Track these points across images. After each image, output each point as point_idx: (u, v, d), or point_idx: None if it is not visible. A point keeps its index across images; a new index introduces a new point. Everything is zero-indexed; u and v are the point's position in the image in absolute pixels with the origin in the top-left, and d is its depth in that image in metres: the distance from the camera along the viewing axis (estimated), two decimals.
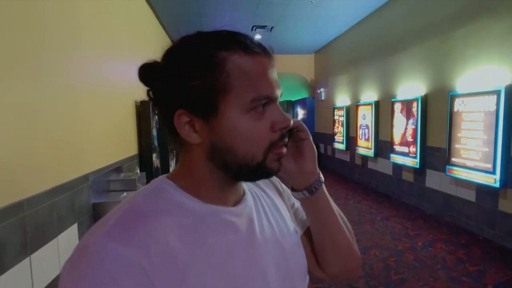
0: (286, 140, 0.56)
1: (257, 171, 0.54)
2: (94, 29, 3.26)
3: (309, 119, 11.07)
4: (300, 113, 12.01)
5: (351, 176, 8.09)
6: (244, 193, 0.63)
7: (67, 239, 2.54)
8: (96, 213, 3.11)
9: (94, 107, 3.17)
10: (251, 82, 0.51)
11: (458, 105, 4.33)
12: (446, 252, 3.60)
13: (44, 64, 2.28)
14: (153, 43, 6.45)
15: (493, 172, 3.78)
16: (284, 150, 0.56)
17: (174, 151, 5.58)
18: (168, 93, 0.53)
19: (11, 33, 1.94)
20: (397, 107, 5.76)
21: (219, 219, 0.55)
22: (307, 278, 0.67)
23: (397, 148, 5.78)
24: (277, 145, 0.54)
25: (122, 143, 4.12)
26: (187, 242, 0.50)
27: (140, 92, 5.02)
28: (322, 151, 10.17)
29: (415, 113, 5.27)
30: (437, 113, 4.90)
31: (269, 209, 0.66)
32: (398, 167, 5.95)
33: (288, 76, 11.26)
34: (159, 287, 0.44)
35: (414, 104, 5.28)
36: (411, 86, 5.53)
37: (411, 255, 3.56)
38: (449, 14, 4.57)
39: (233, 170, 0.54)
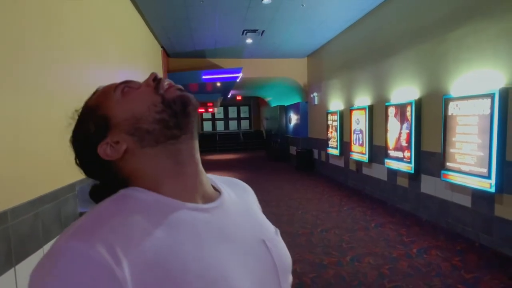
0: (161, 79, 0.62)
1: (172, 108, 0.59)
2: (82, 36, 3.24)
3: (303, 124, 11.09)
4: (293, 118, 12.04)
5: (345, 182, 8.10)
6: (220, 194, 0.64)
7: None
8: None
9: None
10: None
11: (452, 108, 4.35)
12: (441, 259, 3.59)
13: (24, 73, 2.28)
14: (142, 49, 6.43)
15: (489, 176, 3.79)
16: (167, 80, 0.62)
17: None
18: (89, 157, 0.61)
19: None
20: (391, 111, 5.79)
21: (187, 212, 0.56)
22: (291, 277, 0.66)
23: (392, 153, 5.80)
24: (158, 82, 0.61)
25: None
26: (155, 236, 0.51)
27: None
28: (316, 156, 10.18)
29: (409, 117, 5.30)
30: (431, 117, 4.93)
31: (247, 208, 0.69)
32: (392, 173, 5.97)
33: (280, 81, 11.30)
34: (127, 279, 0.45)
35: (408, 108, 5.31)
36: (405, 90, 5.57)
37: (405, 262, 3.55)
38: (443, 17, 4.62)
39: (162, 127, 0.58)
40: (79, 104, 0.66)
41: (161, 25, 6.94)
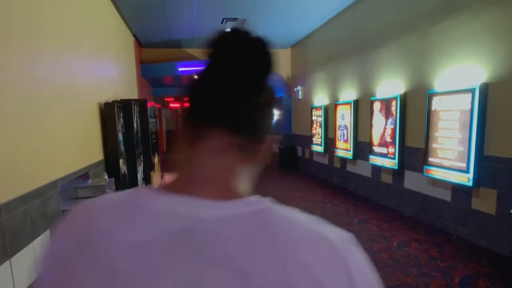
0: None
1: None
2: (51, 26, 3.41)
3: (286, 120, 11.43)
4: (276, 113, 12.37)
5: (330, 179, 8.55)
6: None
7: (42, 245, 2.83)
8: None
9: (58, 110, 3.39)
10: None
11: (436, 103, 4.77)
12: (420, 251, 4.06)
13: (8, 67, 2.50)
14: (114, 38, 6.55)
15: (467, 171, 4.25)
16: None
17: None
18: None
19: None
20: (376, 106, 6.20)
21: None
22: None
23: (376, 149, 6.25)
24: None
25: (87, 148, 4.26)
26: None
27: (104, 93, 5.22)
28: (300, 154, 10.61)
29: (394, 112, 5.71)
30: (416, 112, 5.35)
31: None
32: (377, 169, 6.43)
33: None
34: None
35: (393, 103, 5.71)
36: (391, 84, 5.97)
37: (386, 254, 3.99)
38: (428, 9, 5.00)
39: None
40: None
41: (134, 13, 7.09)
